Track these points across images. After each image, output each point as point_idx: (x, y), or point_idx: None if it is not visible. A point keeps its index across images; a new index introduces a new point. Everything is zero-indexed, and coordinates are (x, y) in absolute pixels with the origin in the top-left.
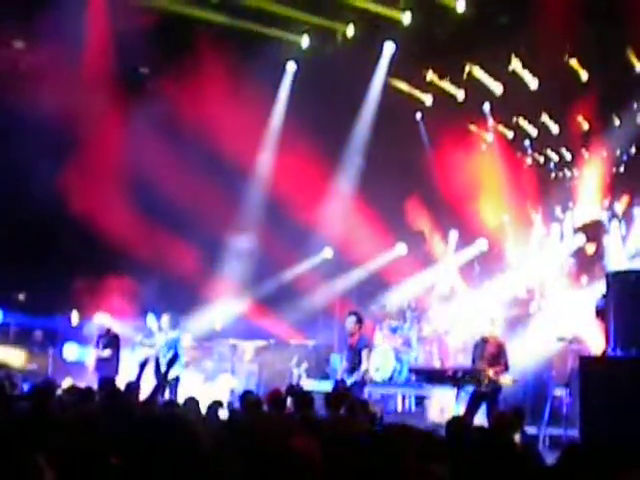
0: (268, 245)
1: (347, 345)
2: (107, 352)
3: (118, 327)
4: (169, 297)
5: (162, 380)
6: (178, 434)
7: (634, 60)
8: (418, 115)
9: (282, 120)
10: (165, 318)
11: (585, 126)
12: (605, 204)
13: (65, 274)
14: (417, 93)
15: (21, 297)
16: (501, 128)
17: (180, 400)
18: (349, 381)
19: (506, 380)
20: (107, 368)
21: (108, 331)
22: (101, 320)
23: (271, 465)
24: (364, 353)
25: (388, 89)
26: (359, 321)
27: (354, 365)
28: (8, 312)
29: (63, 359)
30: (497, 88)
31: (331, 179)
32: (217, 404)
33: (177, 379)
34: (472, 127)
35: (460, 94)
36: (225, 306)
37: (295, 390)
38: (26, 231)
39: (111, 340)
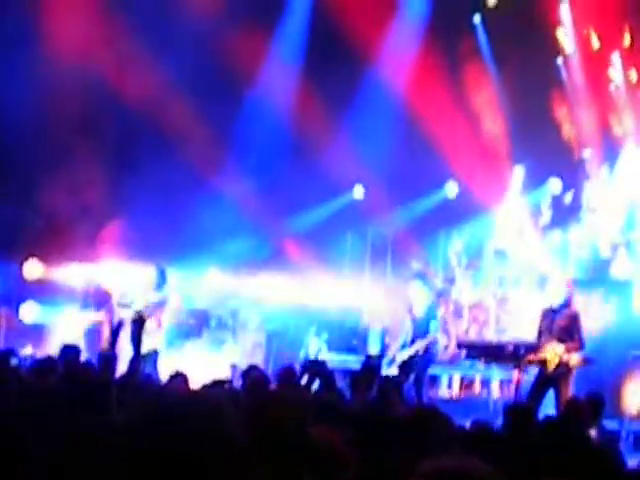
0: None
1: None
2: (98, 316)
3: (109, 280)
4: (154, 241)
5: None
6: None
7: None
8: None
9: None
10: (150, 273)
11: None
12: None
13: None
14: None
15: None
16: (585, 34)
17: (163, 377)
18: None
19: (579, 360)
20: (97, 335)
21: (98, 288)
22: (87, 276)
23: (283, 459)
24: (433, 325)
25: None
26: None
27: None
28: None
29: (19, 321)
30: None
31: None
32: (214, 384)
33: (157, 352)
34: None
35: None
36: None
37: (313, 366)
38: None
39: (102, 300)
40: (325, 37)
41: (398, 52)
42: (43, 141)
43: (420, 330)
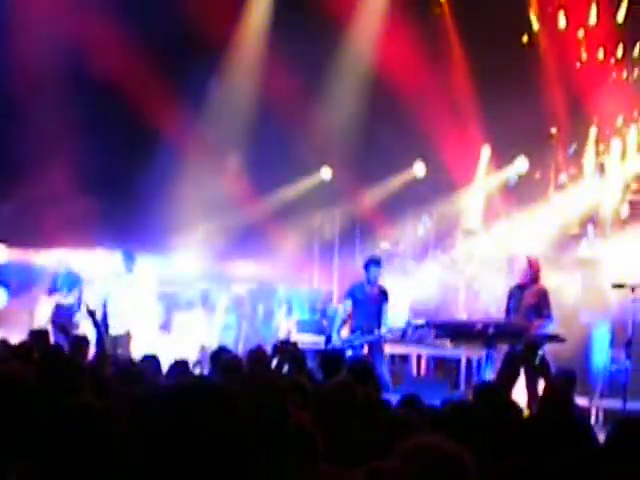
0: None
1: (364, 297)
2: (69, 299)
3: (79, 264)
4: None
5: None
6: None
7: None
8: None
9: None
10: (117, 256)
11: None
12: None
13: None
14: None
15: None
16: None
17: (135, 359)
18: (359, 341)
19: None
20: (66, 318)
21: (68, 271)
22: (56, 259)
23: (256, 444)
24: (385, 307)
25: None
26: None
27: (372, 321)
28: None
29: None
30: None
31: None
32: (182, 364)
33: (129, 334)
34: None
35: None
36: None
37: (284, 348)
38: None
39: (72, 282)
40: (294, 12)
41: (368, 30)
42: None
43: (373, 314)
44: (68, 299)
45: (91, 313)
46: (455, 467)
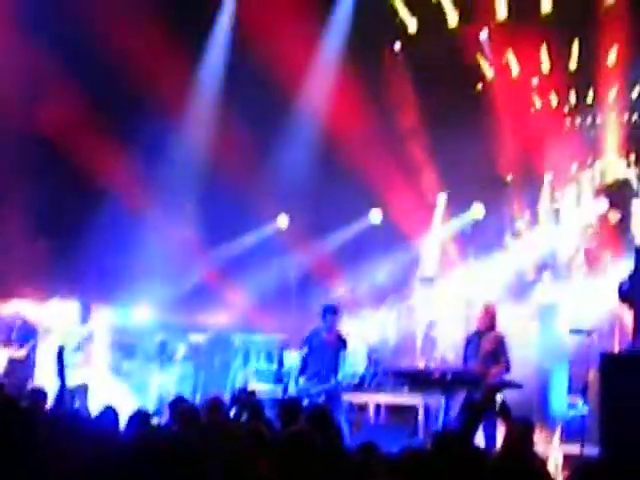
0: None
1: (321, 344)
2: (22, 352)
3: (34, 315)
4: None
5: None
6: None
7: None
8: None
9: None
10: (74, 307)
11: (611, 58)
12: (633, 159)
13: None
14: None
15: None
16: (505, 60)
17: (93, 411)
18: (317, 389)
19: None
20: (21, 371)
21: (24, 323)
22: (12, 309)
23: None
24: (342, 354)
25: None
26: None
27: (329, 369)
28: None
29: None
30: (501, 10)
31: None
32: (141, 414)
33: (86, 386)
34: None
35: (452, 18)
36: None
37: (241, 397)
38: None
39: (27, 335)
40: (246, 66)
41: (319, 82)
42: None
43: (330, 360)
44: (20, 352)
45: (59, 359)
46: None
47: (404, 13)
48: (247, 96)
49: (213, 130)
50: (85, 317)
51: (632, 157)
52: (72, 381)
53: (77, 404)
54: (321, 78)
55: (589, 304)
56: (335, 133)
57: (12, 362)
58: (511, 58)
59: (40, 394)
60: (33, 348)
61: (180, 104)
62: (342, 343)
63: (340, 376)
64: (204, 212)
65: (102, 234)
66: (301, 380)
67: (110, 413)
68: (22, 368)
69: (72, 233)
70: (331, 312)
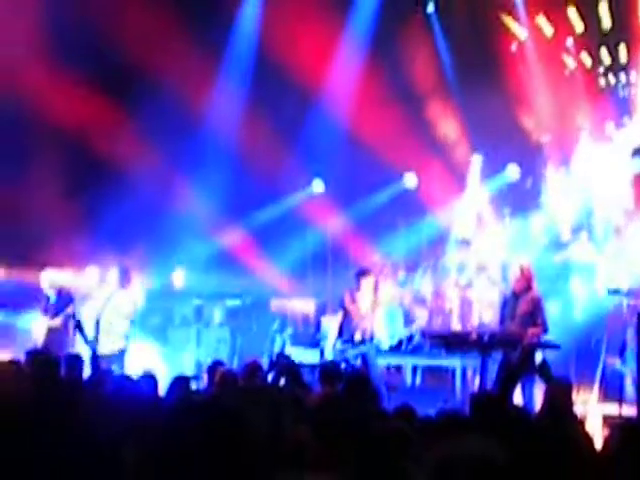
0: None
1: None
2: (58, 320)
3: (72, 282)
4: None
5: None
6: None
7: None
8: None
9: None
10: (113, 272)
11: None
12: None
13: None
14: None
15: None
16: (538, 21)
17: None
18: (353, 352)
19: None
20: (58, 339)
21: (59, 292)
22: (49, 279)
23: (255, 452)
24: (379, 317)
25: None
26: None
27: (364, 333)
28: None
29: None
30: None
31: None
32: (181, 380)
33: (123, 351)
34: (502, 20)
35: None
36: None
37: (280, 361)
38: None
39: (63, 303)
40: (270, 66)
41: (347, 56)
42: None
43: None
44: (56, 321)
45: (79, 327)
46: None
47: None
48: (273, 94)
49: (241, 128)
50: (124, 282)
51: None
52: (110, 347)
53: (115, 369)
54: (349, 51)
55: (625, 264)
56: (364, 102)
57: (49, 331)
58: (543, 20)
59: (76, 360)
60: (70, 316)
61: (209, 82)
62: (378, 306)
63: (376, 339)
64: (239, 182)
65: (138, 201)
66: (338, 344)
67: (149, 378)
68: (58, 336)
69: (108, 199)
70: (365, 275)
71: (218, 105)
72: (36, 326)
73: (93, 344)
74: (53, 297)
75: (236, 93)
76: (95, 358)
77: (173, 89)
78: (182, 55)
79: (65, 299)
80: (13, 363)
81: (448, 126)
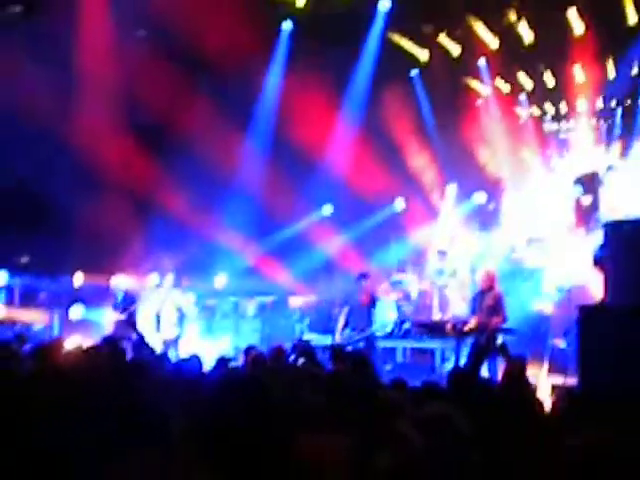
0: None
1: (358, 303)
2: (124, 315)
3: (137, 285)
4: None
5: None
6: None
7: (628, 11)
8: (414, 71)
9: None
10: (169, 277)
11: (581, 78)
12: (600, 155)
13: (66, 234)
14: (414, 48)
15: (24, 259)
16: (497, 82)
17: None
18: (357, 338)
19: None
20: (123, 330)
21: (126, 293)
22: (117, 282)
23: (281, 418)
24: (374, 310)
25: (386, 44)
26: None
27: (366, 322)
28: (12, 274)
29: (69, 320)
30: (493, 42)
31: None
32: (223, 360)
33: (178, 338)
34: (469, 82)
35: (456, 49)
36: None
37: (299, 345)
38: (23, 194)
39: (129, 301)
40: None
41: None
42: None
43: (366, 316)
44: (122, 315)
45: (133, 325)
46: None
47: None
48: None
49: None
50: (178, 284)
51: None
52: (168, 334)
53: (172, 353)
54: (346, 116)
55: (569, 268)
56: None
57: (117, 323)
58: (501, 81)
59: (140, 345)
60: (134, 312)
61: (235, 141)
62: (373, 302)
63: (374, 327)
64: (262, 215)
65: (184, 229)
66: (346, 331)
67: (196, 359)
68: (124, 328)
69: (160, 228)
70: (364, 278)
71: (244, 161)
72: (107, 319)
73: (142, 334)
74: (120, 296)
75: (258, 152)
76: (145, 344)
77: (204, 147)
78: (210, 116)
79: (130, 298)
80: (93, 347)
81: (427, 165)
